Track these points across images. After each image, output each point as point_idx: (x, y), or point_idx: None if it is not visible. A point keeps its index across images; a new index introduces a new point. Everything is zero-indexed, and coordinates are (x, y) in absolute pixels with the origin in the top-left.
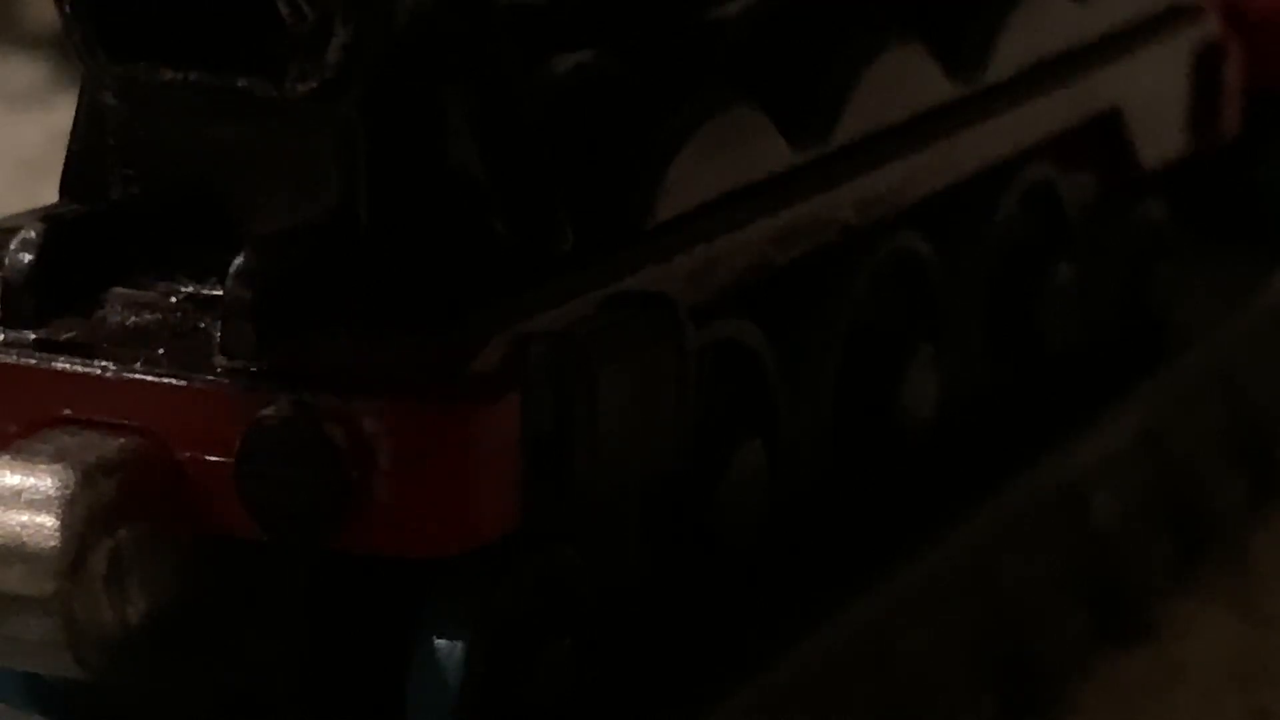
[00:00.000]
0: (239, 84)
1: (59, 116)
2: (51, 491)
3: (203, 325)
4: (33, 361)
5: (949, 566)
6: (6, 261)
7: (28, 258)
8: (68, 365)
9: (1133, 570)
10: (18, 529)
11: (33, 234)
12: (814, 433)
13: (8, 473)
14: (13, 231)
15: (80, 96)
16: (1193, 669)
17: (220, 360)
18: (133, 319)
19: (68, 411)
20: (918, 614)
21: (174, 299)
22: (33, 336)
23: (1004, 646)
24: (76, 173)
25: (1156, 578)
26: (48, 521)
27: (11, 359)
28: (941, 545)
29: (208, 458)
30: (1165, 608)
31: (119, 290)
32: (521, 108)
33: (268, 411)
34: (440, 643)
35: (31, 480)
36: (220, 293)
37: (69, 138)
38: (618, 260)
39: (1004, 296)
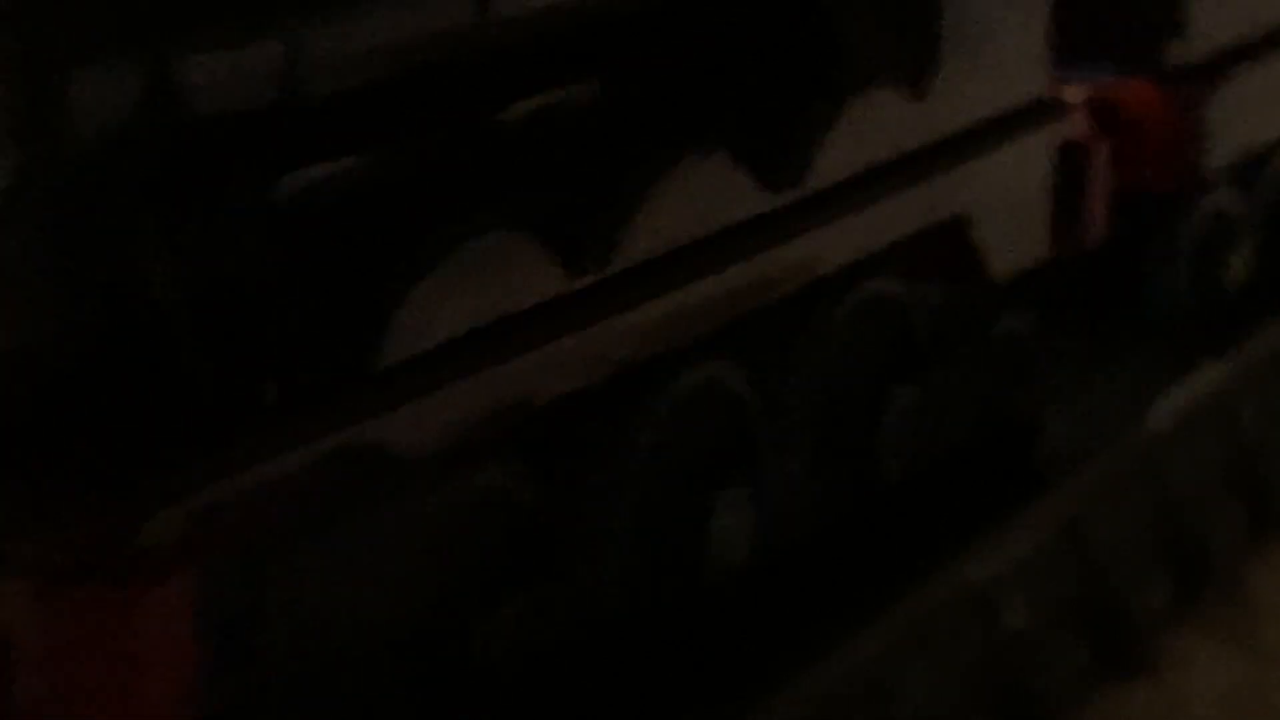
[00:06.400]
0: None
1: None
2: None
3: None
4: None
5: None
6: None
7: None
8: None
9: None
10: None
11: None
12: (610, 577)
13: None
14: None
15: None
16: (1193, 703)
17: None
18: None
19: None
20: (918, 648)
21: None
22: None
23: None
24: None
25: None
26: None
27: None
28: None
29: None
30: (1165, 641)
31: None
32: (232, 233)
33: None
34: None
35: None
36: None
37: None
38: (337, 409)
39: (839, 422)
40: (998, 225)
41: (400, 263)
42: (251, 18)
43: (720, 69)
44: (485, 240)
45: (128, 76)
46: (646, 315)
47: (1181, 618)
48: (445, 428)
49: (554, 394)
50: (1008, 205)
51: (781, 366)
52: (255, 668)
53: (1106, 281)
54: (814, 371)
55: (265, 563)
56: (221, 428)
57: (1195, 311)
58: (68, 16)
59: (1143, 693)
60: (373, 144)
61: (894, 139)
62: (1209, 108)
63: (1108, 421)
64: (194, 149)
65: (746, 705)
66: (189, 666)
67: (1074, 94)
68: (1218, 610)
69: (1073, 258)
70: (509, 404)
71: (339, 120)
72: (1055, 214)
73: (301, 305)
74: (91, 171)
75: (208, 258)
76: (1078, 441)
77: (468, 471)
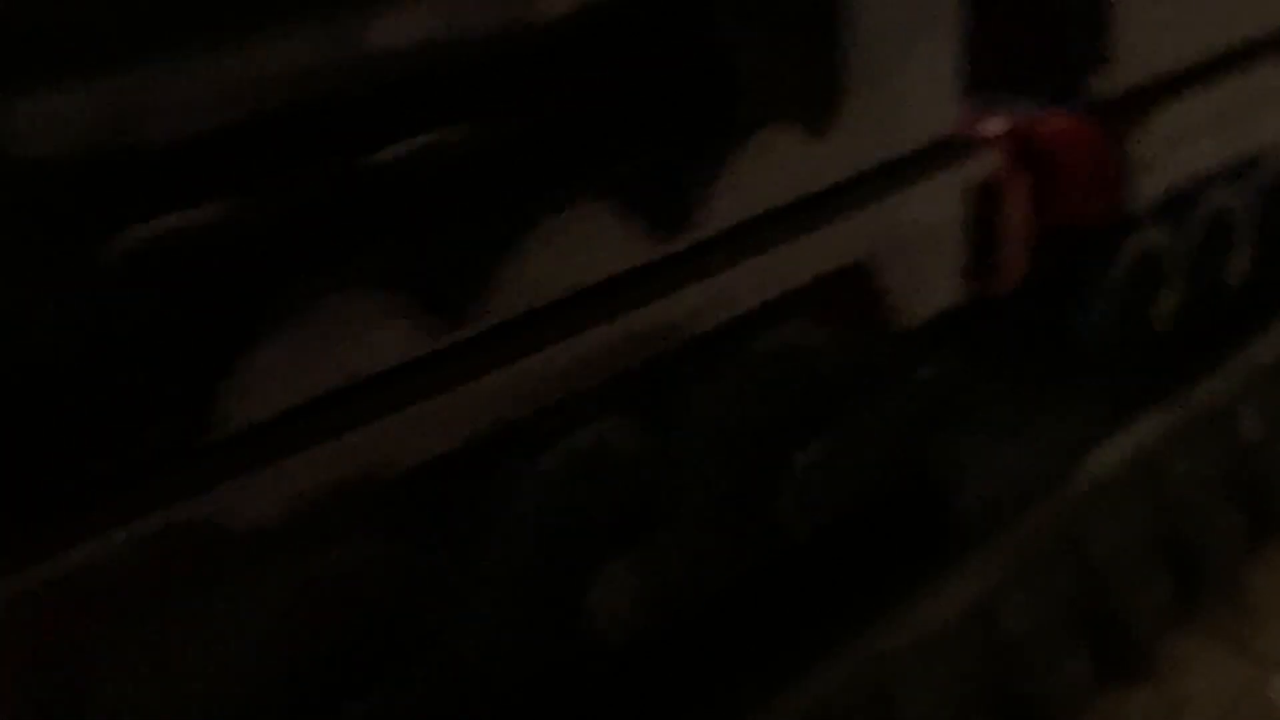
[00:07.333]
0: None
1: None
2: None
3: None
4: None
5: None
6: None
7: None
8: None
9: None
10: None
11: None
12: (480, 657)
13: None
14: None
15: None
16: (1193, 706)
17: None
18: None
19: None
20: (922, 656)
21: None
22: None
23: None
24: None
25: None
26: None
27: None
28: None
29: None
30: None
31: None
32: (55, 294)
33: None
34: None
35: None
36: None
37: None
38: (169, 483)
39: (740, 481)
40: (906, 269)
41: (240, 325)
42: (83, 57)
43: (604, 109)
44: (339, 298)
45: None
46: (519, 373)
47: (1180, 621)
48: (289, 500)
49: (414, 461)
50: (916, 248)
51: (677, 423)
52: None
53: (1034, 321)
54: (712, 428)
55: (88, 652)
56: (41, 507)
57: (1124, 351)
58: None
59: (1142, 695)
60: (217, 194)
61: (793, 181)
62: (1134, 142)
63: (1034, 474)
64: (12, 200)
65: None
66: None
67: (992, 128)
68: (1216, 614)
69: (997, 298)
70: (361, 473)
71: (180, 168)
72: (969, 255)
73: (131, 373)
74: None
75: (28, 321)
76: (1001, 495)
77: (318, 547)
